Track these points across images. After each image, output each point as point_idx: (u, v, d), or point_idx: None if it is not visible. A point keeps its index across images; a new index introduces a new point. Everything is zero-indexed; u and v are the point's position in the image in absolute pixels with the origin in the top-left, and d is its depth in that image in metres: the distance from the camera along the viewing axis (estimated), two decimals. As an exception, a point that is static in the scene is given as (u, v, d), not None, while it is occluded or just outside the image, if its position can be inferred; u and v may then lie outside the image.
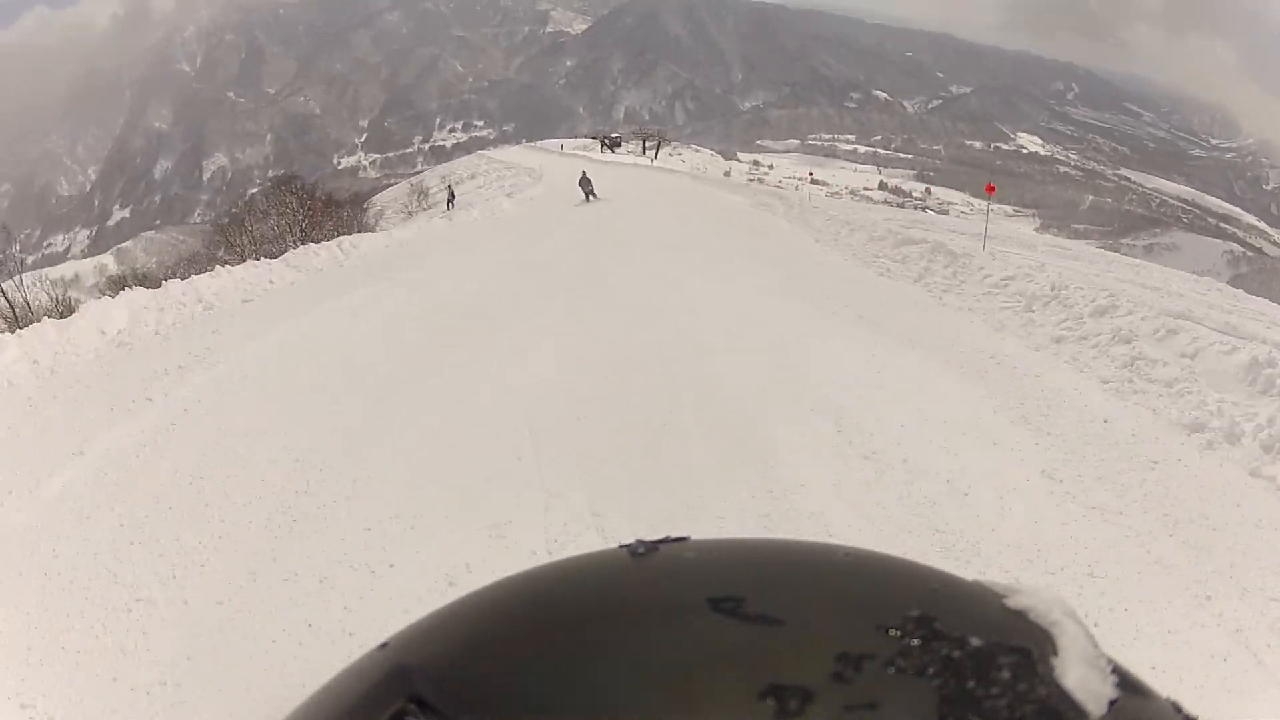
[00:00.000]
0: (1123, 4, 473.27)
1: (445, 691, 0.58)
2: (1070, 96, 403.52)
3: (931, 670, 0.55)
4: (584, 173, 42.95)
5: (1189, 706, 0.64)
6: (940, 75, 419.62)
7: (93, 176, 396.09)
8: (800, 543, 0.65)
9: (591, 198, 40.57)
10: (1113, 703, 0.56)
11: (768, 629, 0.59)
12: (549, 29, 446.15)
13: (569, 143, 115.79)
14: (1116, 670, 0.60)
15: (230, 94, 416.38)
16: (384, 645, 0.67)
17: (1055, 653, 0.59)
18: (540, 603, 0.69)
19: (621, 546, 0.72)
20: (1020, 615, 0.62)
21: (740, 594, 0.63)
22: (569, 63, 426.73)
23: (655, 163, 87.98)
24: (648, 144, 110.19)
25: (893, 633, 0.58)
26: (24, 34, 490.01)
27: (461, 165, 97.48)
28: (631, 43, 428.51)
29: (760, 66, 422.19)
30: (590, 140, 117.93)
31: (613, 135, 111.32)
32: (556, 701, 0.55)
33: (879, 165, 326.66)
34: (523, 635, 0.64)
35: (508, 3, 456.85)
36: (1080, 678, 0.57)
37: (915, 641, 0.58)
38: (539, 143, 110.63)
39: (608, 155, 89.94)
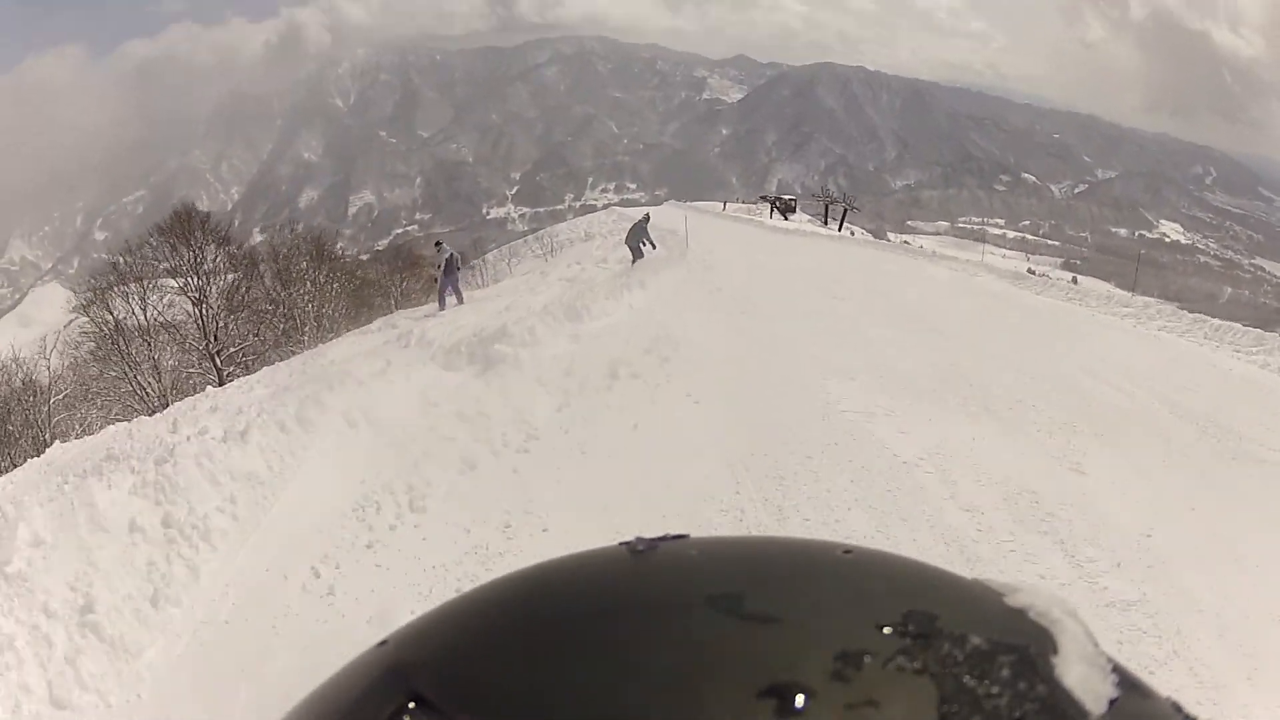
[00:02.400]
0: (1257, 82, 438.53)
1: (445, 689, 0.57)
2: (1209, 181, 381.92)
3: (931, 669, 0.54)
4: (645, 220, 32.19)
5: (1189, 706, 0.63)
6: (1086, 159, 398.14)
7: (235, 196, 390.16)
8: (800, 541, 0.66)
9: (645, 248, 30.12)
10: (1113, 702, 0.55)
11: (767, 627, 0.59)
12: (705, 96, 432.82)
13: (729, 206, 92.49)
14: (1117, 669, 0.59)
15: (382, 133, 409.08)
16: (383, 643, 0.66)
17: (1055, 651, 0.58)
18: (540, 600, 0.68)
19: (621, 544, 0.72)
20: (1020, 614, 0.61)
21: (740, 592, 0.62)
22: (724, 131, 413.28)
23: (839, 233, 65.07)
24: (831, 212, 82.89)
25: (893, 631, 0.58)
26: (169, 45, 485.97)
27: (583, 222, 77.89)
28: (786, 115, 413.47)
29: (913, 144, 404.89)
30: (751, 205, 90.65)
31: (786, 198, 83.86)
32: (556, 699, 0.54)
33: (1026, 252, 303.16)
34: (523, 633, 0.63)
35: (665, 67, 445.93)
36: (1081, 676, 0.56)
37: (915, 640, 0.57)
38: (691, 203, 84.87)
39: (778, 222, 70.57)
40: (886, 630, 0.57)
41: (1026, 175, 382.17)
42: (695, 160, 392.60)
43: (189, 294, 38.24)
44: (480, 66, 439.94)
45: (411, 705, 0.56)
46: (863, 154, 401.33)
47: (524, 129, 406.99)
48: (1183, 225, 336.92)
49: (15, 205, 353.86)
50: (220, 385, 37.92)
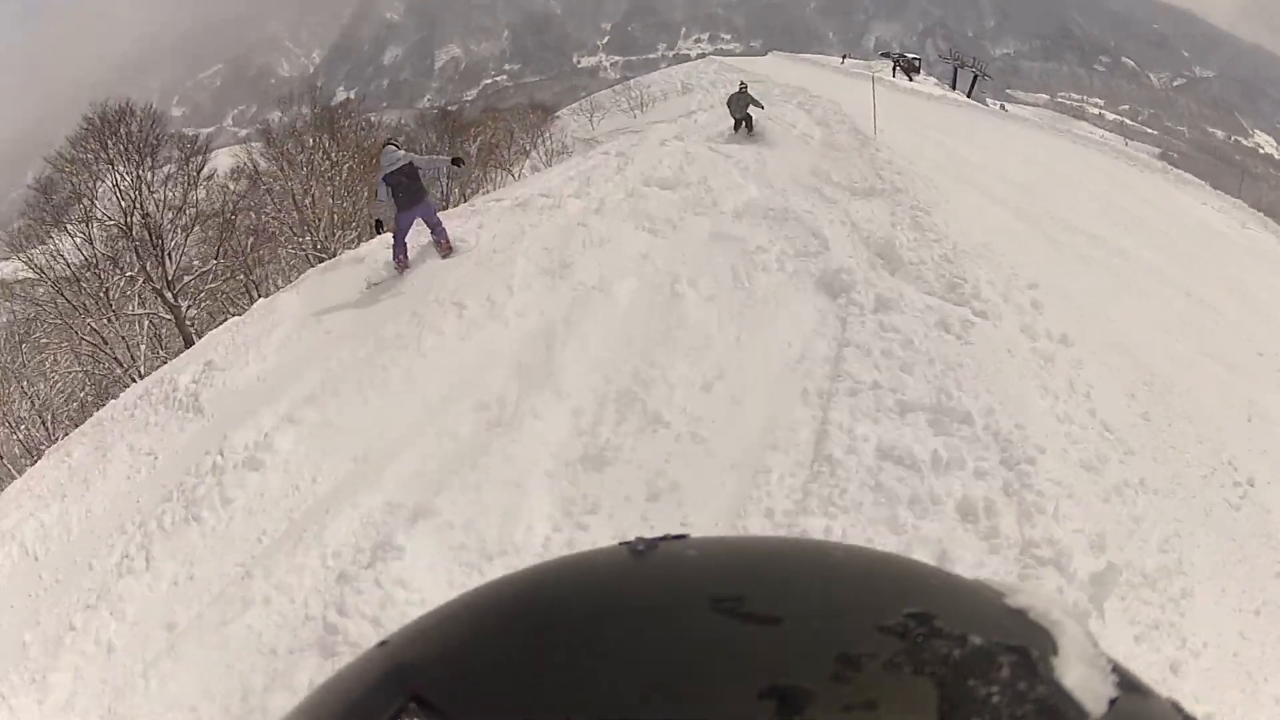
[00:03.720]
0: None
1: (445, 689, 0.57)
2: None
3: (931, 669, 0.54)
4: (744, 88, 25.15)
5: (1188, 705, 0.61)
6: (1185, 54, 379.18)
7: (316, 60, 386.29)
8: (800, 541, 0.67)
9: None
10: (1113, 702, 0.55)
11: (767, 628, 0.58)
12: None
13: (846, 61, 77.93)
14: (1116, 669, 0.58)
15: None
16: (384, 643, 0.66)
17: (1055, 652, 0.57)
18: (540, 601, 0.67)
19: (621, 544, 0.71)
20: (1020, 614, 0.61)
21: (740, 592, 0.61)
22: None
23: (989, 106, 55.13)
24: (960, 76, 71.47)
25: (892, 632, 0.57)
26: None
27: (678, 72, 70.00)
28: None
29: (1013, 14, 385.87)
30: (866, 63, 77.96)
31: (910, 56, 71.52)
32: (556, 700, 0.54)
33: (1125, 136, 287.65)
34: (523, 633, 0.62)
35: None
36: (1080, 677, 0.55)
37: (915, 640, 0.56)
38: (800, 55, 73.13)
39: (902, 81, 57.11)
40: (886, 631, 0.56)
41: (1126, 60, 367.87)
42: (791, 14, 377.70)
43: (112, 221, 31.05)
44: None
45: (412, 705, 0.56)
46: (961, 18, 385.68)
47: None
48: (1276, 140, 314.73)
49: (87, 88, 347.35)
50: (179, 325, 30.65)
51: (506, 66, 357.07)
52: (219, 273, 32.46)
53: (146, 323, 30.35)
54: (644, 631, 0.58)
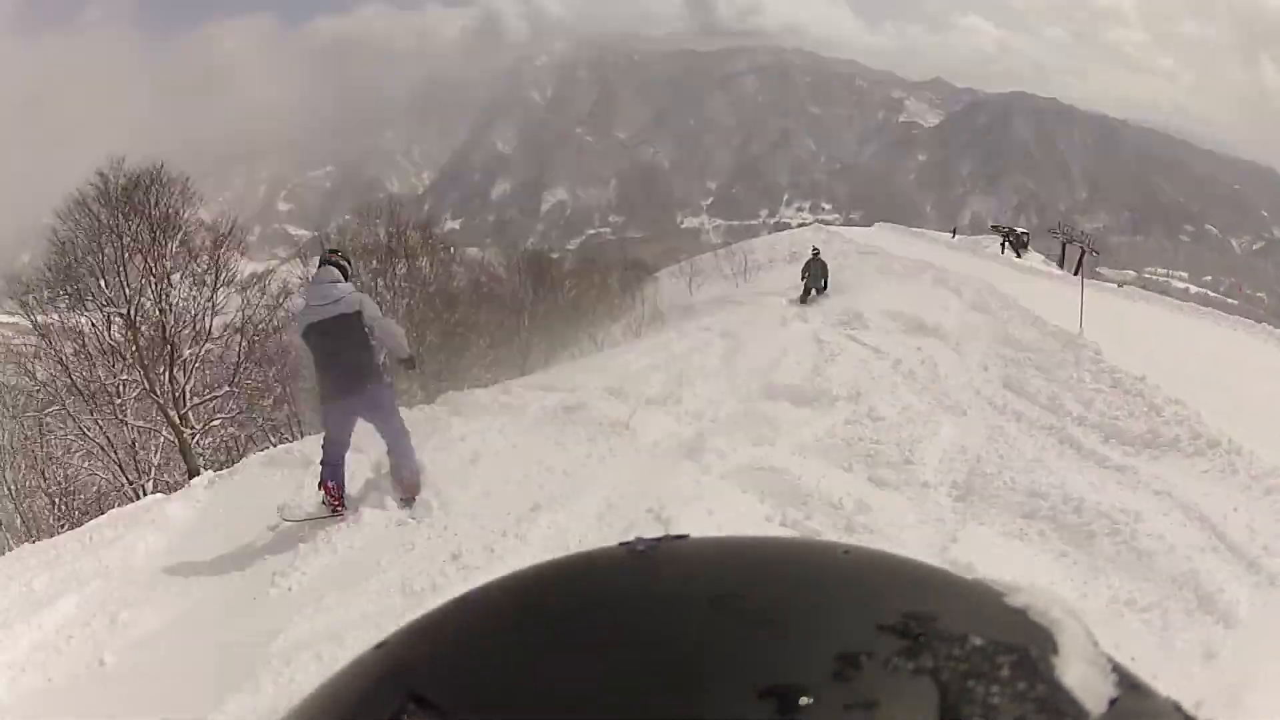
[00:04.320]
0: None
1: (445, 690, 0.57)
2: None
3: (931, 669, 0.53)
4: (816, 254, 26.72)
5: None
6: (1264, 214, 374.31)
7: (426, 181, 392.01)
8: (800, 541, 0.67)
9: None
10: (1113, 701, 0.55)
11: (767, 627, 0.58)
12: (902, 118, 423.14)
13: (935, 236, 72.84)
14: (1116, 669, 0.58)
15: (578, 130, 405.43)
16: (382, 645, 0.65)
17: (1055, 651, 0.57)
18: (540, 601, 0.67)
19: (621, 544, 0.72)
20: (1020, 614, 0.61)
21: (740, 592, 0.61)
22: (920, 157, 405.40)
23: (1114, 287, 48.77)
24: (1068, 254, 66.13)
25: (892, 631, 0.57)
26: (361, 24, 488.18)
27: (784, 239, 64.50)
28: (981, 145, 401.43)
29: (1103, 185, 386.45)
30: (973, 238, 73.08)
31: (1019, 231, 66.57)
32: (556, 700, 0.54)
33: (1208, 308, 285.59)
34: (522, 633, 0.62)
35: (863, 85, 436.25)
36: (1080, 676, 0.55)
37: (915, 640, 0.56)
38: (903, 227, 68.91)
39: (1010, 259, 53.44)
40: (886, 630, 0.56)
41: (1209, 226, 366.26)
42: (891, 186, 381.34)
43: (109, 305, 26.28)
44: (678, 70, 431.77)
45: (412, 706, 0.54)
46: (1054, 192, 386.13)
47: (721, 138, 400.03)
48: None
49: (194, 169, 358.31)
50: (183, 452, 25.96)
51: (611, 219, 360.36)
52: (229, 405, 28.03)
53: (162, 436, 26.17)
54: (644, 631, 0.58)
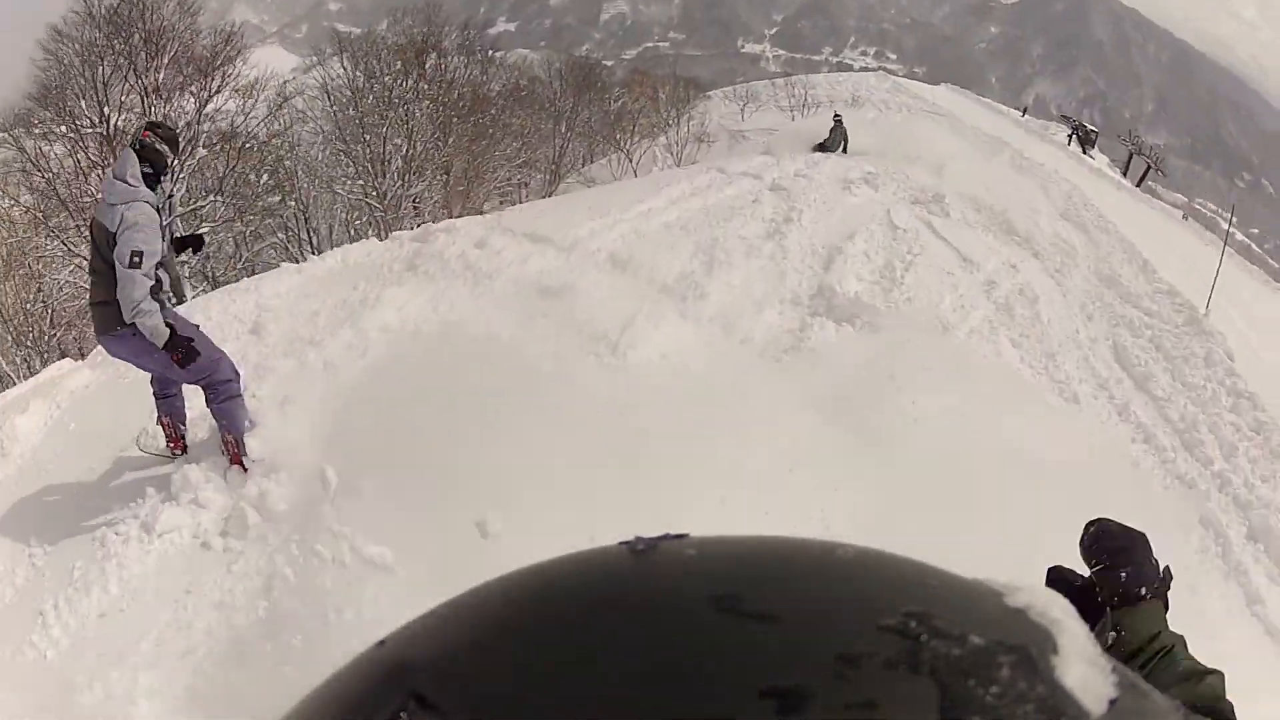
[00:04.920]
0: None
1: (445, 689, 0.55)
2: None
3: (931, 669, 0.52)
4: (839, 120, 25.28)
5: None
6: None
7: None
8: (799, 540, 0.68)
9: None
10: (1113, 702, 0.54)
11: (767, 627, 0.56)
12: None
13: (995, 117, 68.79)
14: (1116, 669, 0.57)
15: None
16: (382, 643, 0.64)
17: (1055, 651, 0.56)
18: (540, 600, 0.65)
19: (621, 543, 0.69)
20: (1020, 613, 0.60)
21: (739, 591, 0.60)
22: (993, 29, 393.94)
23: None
24: (1134, 164, 62.50)
25: (892, 631, 0.55)
26: None
27: (847, 80, 60.31)
28: (1055, 32, 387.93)
29: (1172, 105, 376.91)
30: (1042, 122, 68.91)
31: (1089, 127, 62.39)
32: (556, 700, 0.53)
33: (1249, 260, 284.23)
34: (522, 632, 0.60)
35: None
36: (1081, 676, 0.54)
37: (915, 640, 0.55)
38: (971, 94, 64.85)
39: (1077, 155, 46.04)
40: (886, 630, 0.55)
41: (1265, 181, 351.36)
42: (961, 50, 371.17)
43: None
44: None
45: (412, 704, 0.53)
46: (1122, 97, 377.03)
47: None
48: None
49: None
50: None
51: (671, 35, 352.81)
52: (219, 212, 26.28)
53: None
54: (643, 631, 0.57)
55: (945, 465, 6.84)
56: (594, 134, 42.24)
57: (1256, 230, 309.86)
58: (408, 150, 27.76)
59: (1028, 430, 7.87)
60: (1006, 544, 4.67)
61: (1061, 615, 0.58)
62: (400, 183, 27.61)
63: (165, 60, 25.34)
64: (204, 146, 25.68)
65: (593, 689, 0.52)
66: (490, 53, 43.52)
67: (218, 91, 26.70)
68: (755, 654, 0.53)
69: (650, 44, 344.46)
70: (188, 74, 26.24)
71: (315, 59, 32.06)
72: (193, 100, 25.87)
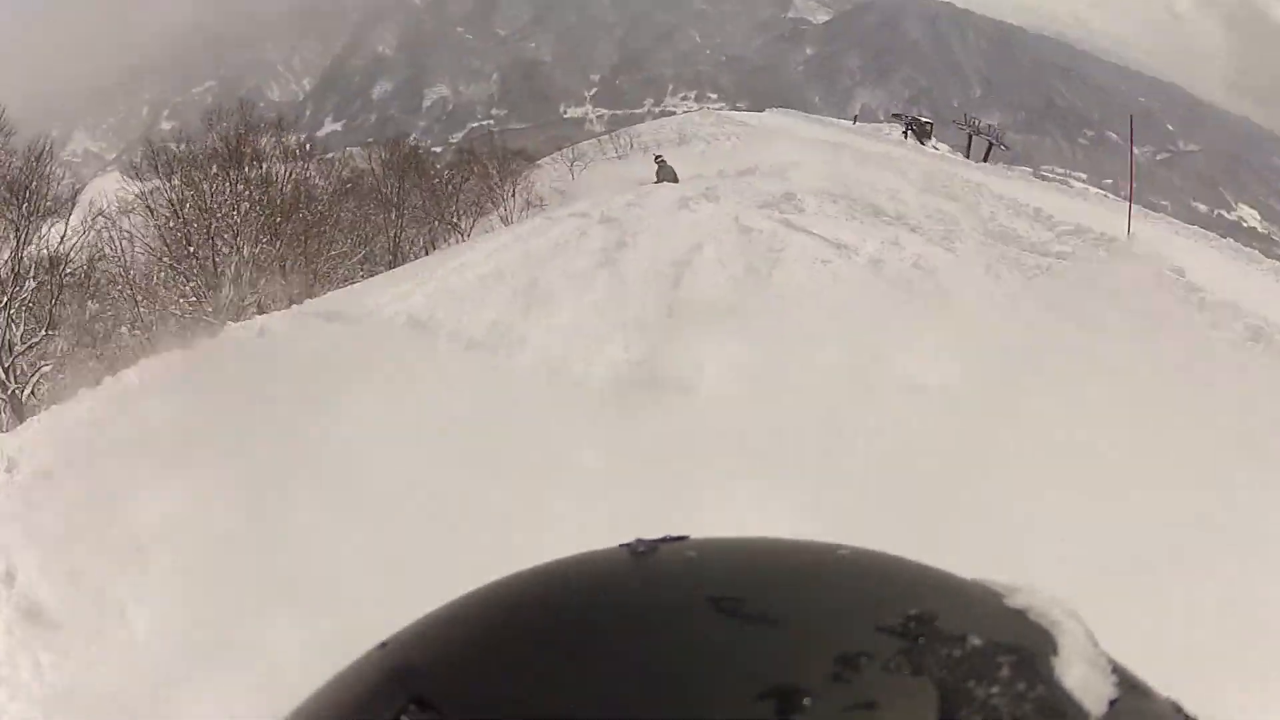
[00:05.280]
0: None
1: (446, 691, 0.56)
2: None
3: (931, 670, 0.53)
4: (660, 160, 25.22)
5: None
6: (1169, 128, 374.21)
7: (307, 87, 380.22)
8: (800, 542, 0.69)
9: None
10: (1113, 702, 0.54)
11: (767, 628, 0.57)
12: (790, 15, 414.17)
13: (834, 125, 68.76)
14: (1117, 670, 0.57)
15: (459, 29, 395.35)
16: (383, 645, 0.65)
17: (1055, 652, 0.56)
18: (540, 602, 0.66)
19: (621, 545, 0.71)
20: (1020, 614, 0.61)
21: (740, 593, 0.61)
22: (808, 50, 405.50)
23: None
24: (975, 144, 63.03)
25: (892, 632, 0.56)
26: None
27: (672, 123, 59.16)
28: (871, 42, 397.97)
29: (997, 85, 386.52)
30: (874, 125, 69.40)
31: (922, 120, 63.26)
32: (556, 701, 0.53)
33: (1107, 210, 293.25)
34: (523, 635, 0.61)
35: None
36: (1081, 677, 0.54)
37: (915, 641, 0.55)
38: (803, 114, 65.28)
39: (916, 148, 45.62)
40: (886, 631, 0.56)
41: (1110, 134, 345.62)
42: (778, 77, 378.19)
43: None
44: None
45: (412, 707, 0.54)
46: (947, 89, 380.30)
47: (604, 33, 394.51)
48: (1260, 213, 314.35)
49: (78, 97, 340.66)
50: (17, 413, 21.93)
51: (494, 112, 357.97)
52: (54, 347, 24.10)
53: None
54: (644, 633, 0.58)
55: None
56: (428, 218, 41.71)
57: (1110, 181, 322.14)
58: (236, 256, 25.71)
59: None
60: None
61: (1061, 616, 0.58)
62: (237, 290, 25.63)
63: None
64: (32, 278, 23.68)
65: (593, 691, 0.52)
66: (307, 148, 41.71)
67: (37, 216, 24.69)
68: (756, 655, 0.53)
69: (475, 124, 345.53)
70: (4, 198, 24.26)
71: (134, 174, 30.23)
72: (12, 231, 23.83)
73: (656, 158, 25.36)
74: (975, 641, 0.54)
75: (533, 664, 0.55)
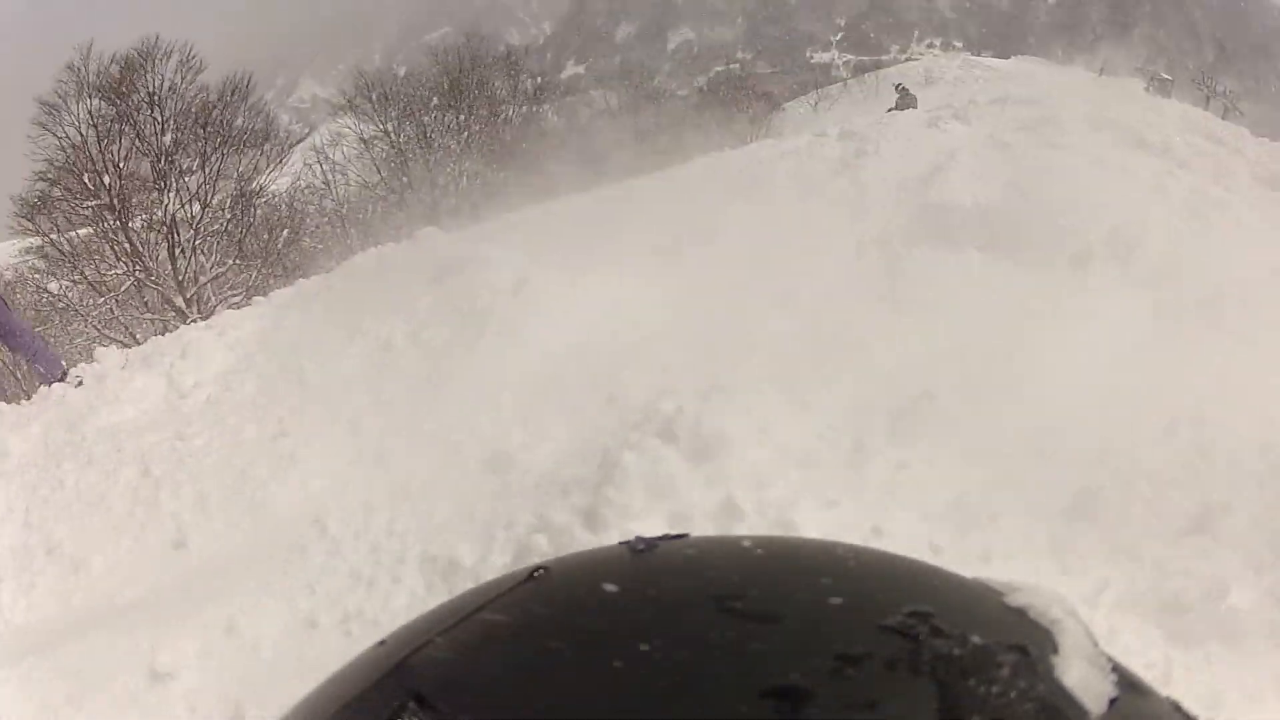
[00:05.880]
0: None
1: (445, 689, 0.55)
2: None
3: (932, 668, 0.52)
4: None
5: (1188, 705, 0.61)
6: None
7: (547, 30, 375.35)
8: (800, 540, 0.74)
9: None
10: (1113, 701, 0.53)
11: (767, 627, 0.56)
12: None
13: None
14: (1116, 668, 0.57)
15: None
16: (383, 643, 0.64)
17: (1056, 651, 0.56)
18: (540, 600, 0.65)
19: (621, 544, 0.70)
20: (1020, 613, 0.60)
21: (740, 592, 0.60)
22: (1050, 1, 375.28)
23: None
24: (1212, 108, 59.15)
25: (893, 631, 0.55)
26: None
27: (918, 66, 59.35)
28: None
29: (1230, 52, 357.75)
30: (1118, 79, 65.69)
31: (1164, 77, 60.23)
32: (556, 699, 0.52)
33: None
34: (522, 633, 0.60)
35: None
36: (1081, 676, 0.54)
37: (915, 639, 0.54)
38: (1043, 60, 64.64)
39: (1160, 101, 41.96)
40: (887, 630, 0.54)
41: None
42: (1022, 26, 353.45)
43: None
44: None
45: (412, 705, 0.53)
46: (1183, 51, 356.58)
47: None
48: None
49: (304, 44, 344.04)
50: None
51: (740, 55, 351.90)
52: (241, 278, 24.52)
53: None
54: (645, 631, 0.56)
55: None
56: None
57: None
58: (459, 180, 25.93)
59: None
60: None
61: (1062, 615, 0.56)
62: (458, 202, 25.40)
63: (170, 121, 23.20)
64: (225, 209, 23.98)
65: (593, 689, 0.50)
66: (541, 88, 39.98)
67: (226, 147, 24.57)
68: (756, 654, 0.52)
69: (721, 67, 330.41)
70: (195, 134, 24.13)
71: (349, 109, 29.59)
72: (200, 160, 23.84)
73: (897, 85, 24.24)
74: (976, 640, 0.53)
75: (531, 662, 0.54)
